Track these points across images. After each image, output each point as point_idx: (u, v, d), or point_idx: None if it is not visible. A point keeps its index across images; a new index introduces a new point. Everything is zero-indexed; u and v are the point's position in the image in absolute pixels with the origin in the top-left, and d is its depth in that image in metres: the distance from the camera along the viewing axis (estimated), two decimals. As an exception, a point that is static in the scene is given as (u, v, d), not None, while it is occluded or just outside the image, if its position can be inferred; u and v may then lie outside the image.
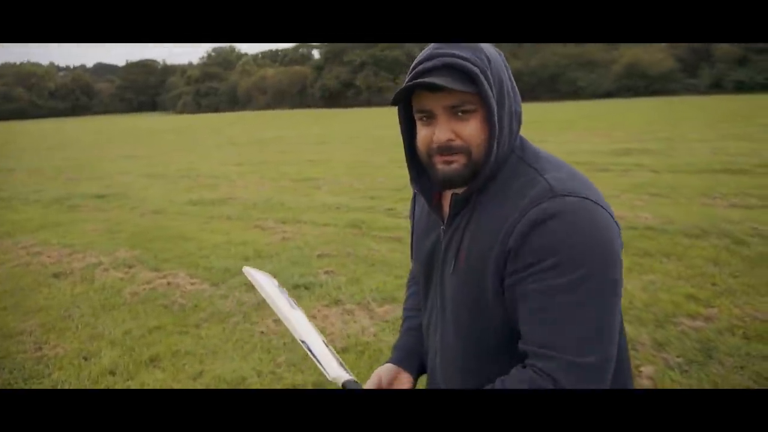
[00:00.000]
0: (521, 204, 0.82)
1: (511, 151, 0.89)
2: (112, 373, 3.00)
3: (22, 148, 20.86)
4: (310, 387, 2.73)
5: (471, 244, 0.89)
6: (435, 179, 0.90)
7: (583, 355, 0.77)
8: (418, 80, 0.83)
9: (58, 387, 2.86)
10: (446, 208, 0.97)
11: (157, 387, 2.80)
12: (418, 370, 1.13)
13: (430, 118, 0.87)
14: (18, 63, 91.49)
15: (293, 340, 3.26)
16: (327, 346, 1.15)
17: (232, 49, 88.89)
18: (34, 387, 2.86)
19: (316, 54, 74.12)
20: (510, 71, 0.90)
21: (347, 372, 1.07)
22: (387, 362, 1.14)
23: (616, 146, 11.67)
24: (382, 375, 1.10)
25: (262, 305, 3.80)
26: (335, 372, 1.06)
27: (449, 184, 0.89)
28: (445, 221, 0.96)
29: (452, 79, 0.82)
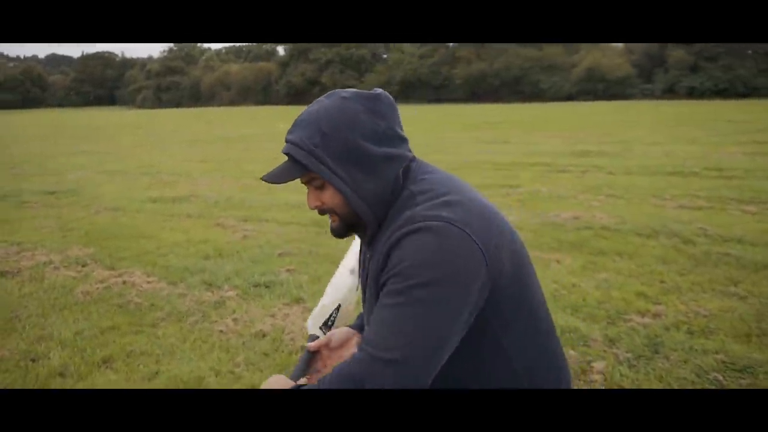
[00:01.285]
0: (392, 231, 0.94)
1: (401, 188, 1.00)
2: (62, 374, 2.90)
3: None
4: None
5: (371, 266, 1.02)
6: None
7: (386, 350, 0.84)
8: (264, 177, 1.00)
9: (2, 388, 2.74)
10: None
11: (110, 388, 2.72)
12: None
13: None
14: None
15: (252, 338, 3.24)
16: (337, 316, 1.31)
17: (194, 44, 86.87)
18: (-23, 391, 2.74)
19: (281, 50, 73.33)
20: (378, 122, 0.97)
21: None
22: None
23: (576, 148, 12.00)
24: (335, 335, 1.22)
25: (221, 304, 3.75)
26: (316, 331, 1.27)
27: (336, 236, 1.06)
28: (364, 260, 1.11)
29: (286, 171, 0.97)
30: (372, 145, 0.95)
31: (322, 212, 1.03)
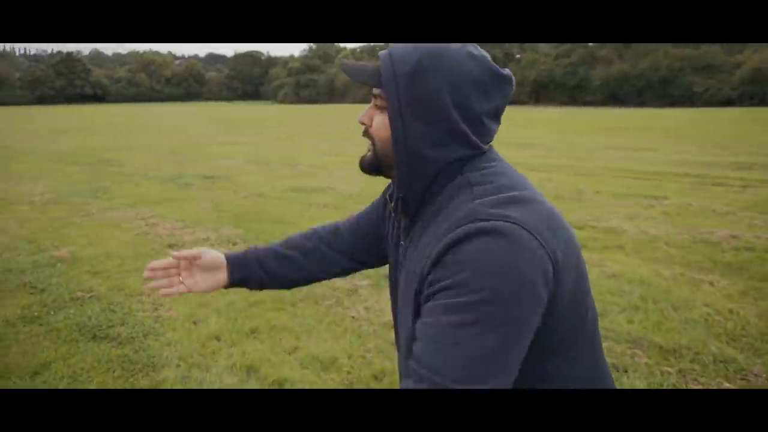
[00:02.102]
0: (441, 231, 0.79)
1: (461, 171, 0.85)
2: (218, 339, 3.26)
3: (141, 129, 22.92)
4: (395, 374, 2.80)
5: (408, 265, 0.88)
6: None
7: (455, 381, 0.70)
8: (342, 65, 0.88)
9: (171, 345, 3.15)
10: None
11: (257, 356, 3.00)
12: (237, 280, 1.12)
13: None
14: (141, 51, 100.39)
15: (383, 327, 3.37)
16: None
17: (332, 43, 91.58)
18: (152, 343, 3.18)
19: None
20: (493, 77, 0.83)
21: None
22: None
23: (735, 159, 10.71)
24: (208, 255, 1.09)
25: (354, 291, 3.94)
26: None
27: (363, 168, 0.93)
28: (402, 239, 0.96)
29: (366, 72, 0.85)
30: (458, 115, 0.82)
31: (365, 134, 0.91)
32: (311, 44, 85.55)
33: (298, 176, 9.45)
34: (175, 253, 1.07)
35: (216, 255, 1.10)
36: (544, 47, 59.09)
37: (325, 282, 4.08)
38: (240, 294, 3.94)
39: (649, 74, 49.43)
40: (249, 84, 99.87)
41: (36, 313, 3.59)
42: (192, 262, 1.08)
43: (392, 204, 0.96)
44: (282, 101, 79.31)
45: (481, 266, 0.71)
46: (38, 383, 2.75)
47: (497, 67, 0.84)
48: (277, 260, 1.13)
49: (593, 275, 4.16)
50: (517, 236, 0.72)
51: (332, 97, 74.11)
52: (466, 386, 0.69)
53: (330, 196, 7.66)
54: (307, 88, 79.87)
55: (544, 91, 58.12)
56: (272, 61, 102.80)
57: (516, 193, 0.79)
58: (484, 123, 0.84)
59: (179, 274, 1.08)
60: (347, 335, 3.27)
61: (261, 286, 1.14)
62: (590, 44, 54.40)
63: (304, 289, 4.00)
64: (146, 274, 1.08)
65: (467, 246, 0.73)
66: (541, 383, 0.81)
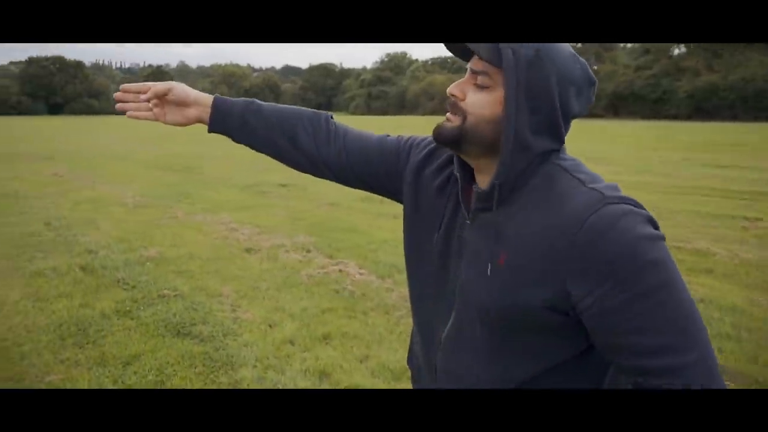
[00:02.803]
0: (571, 212, 0.79)
1: (548, 159, 0.87)
2: (292, 343, 3.36)
3: (221, 138, 24.05)
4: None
5: (513, 248, 0.84)
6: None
7: (686, 351, 0.74)
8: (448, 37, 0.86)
9: (248, 346, 3.28)
10: (470, 202, 0.93)
11: (330, 362, 3.07)
12: (219, 130, 1.12)
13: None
14: (223, 64, 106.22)
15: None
16: None
17: (404, 55, 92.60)
18: (230, 342, 3.33)
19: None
20: (588, 82, 0.87)
21: None
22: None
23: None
24: (178, 89, 1.09)
25: (424, 303, 3.94)
26: None
27: (435, 137, 0.90)
28: (470, 215, 0.92)
29: (483, 46, 0.83)
30: (559, 109, 0.84)
31: (452, 105, 0.89)
32: (383, 57, 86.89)
33: (368, 186, 9.60)
34: (148, 85, 1.08)
35: (186, 92, 1.10)
36: (623, 59, 56.63)
37: (395, 292, 4.15)
38: (313, 300, 4.05)
39: (741, 86, 46.12)
40: (322, 95, 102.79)
41: (128, 308, 3.86)
42: (163, 97, 1.09)
43: (476, 188, 0.93)
44: (353, 112, 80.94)
45: (645, 243, 0.75)
46: (129, 373, 2.95)
47: (591, 72, 0.88)
48: (259, 122, 1.12)
49: (678, 299, 3.92)
50: (643, 214, 0.78)
51: (402, 109, 74.74)
52: (700, 351, 0.74)
53: (398, 207, 7.70)
54: (378, 99, 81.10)
55: (623, 104, 55.67)
56: (345, 73, 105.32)
57: (609, 184, 0.83)
58: (569, 122, 0.88)
59: (149, 101, 1.09)
60: (417, 347, 3.26)
61: (239, 140, 1.15)
62: (675, 54, 51.60)
63: (375, 298, 4.06)
64: (117, 95, 1.11)
65: (622, 226, 0.75)
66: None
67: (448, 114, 0.90)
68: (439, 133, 0.90)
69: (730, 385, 2.75)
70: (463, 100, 0.87)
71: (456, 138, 0.88)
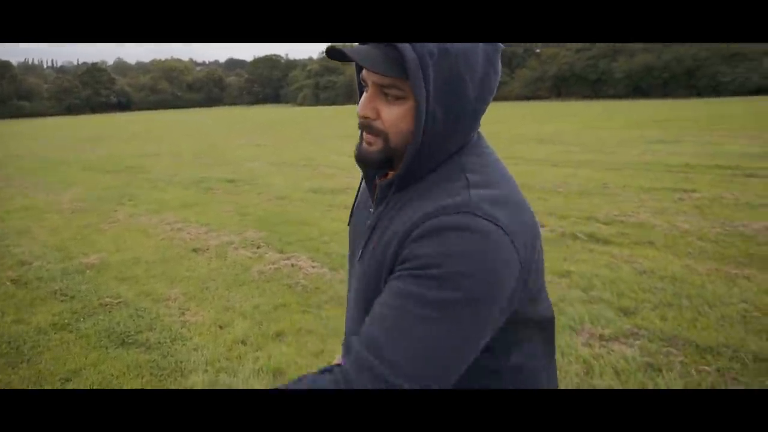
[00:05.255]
0: (431, 209, 0.76)
1: (456, 153, 0.83)
2: (244, 342, 3.26)
3: (165, 135, 23.30)
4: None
5: (381, 236, 0.84)
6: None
7: (406, 378, 0.69)
8: (347, 49, 0.78)
9: (198, 350, 3.16)
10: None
11: (284, 360, 2.99)
12: None
13: (367, 88, 0.83)
14: (163, 59, 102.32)
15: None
16: None
17: (351, 45, 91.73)
18: (179, 348, 3.20)
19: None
20: (490, 72, 0.79)
21: None
22: None
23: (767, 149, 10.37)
24: None
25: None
26: None
27: (362, 164, 0.86)
28: (374, 204, 0.92)
29: (380, 60, 0.75)
30: (473, 90, 0.77)
31: (367, 127, 0.82)
32: (329, 46, 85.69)
33: (319, 178, 9.47)
34: None
35: None
36: (564, 41, 58.19)
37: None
38: (264, 297, 3.95)
39: (674, 65, 48.33)
40: (269, 87, 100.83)
41: (66, 321, 3.64)
42: None
43: (380, 179, 0.91)
44: (301, 104, 79.86)
45: (463, 264, 0.70)
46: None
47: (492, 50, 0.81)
48: None
49: (623, 271, 4.06)
50: (502, 243, 0.73)
51: (351, 99, 74.29)
52: (418, 384, 0.69)
53: (351, 196, 7.65)
54: (326, 89, 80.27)
55: (566, 85, 57.31)
56: (291, 64, 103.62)
57: (501, 191, 0.79)
58: (489, 94, 0.81)
59: None
60: (373, 337, 3.23)
61: None
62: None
63: (328, 291, 4.00)
64: None
65: (455, 237, 0.71)
66: (507, 374, 0.85)
67: (365, 136, 0.83)
68: (363, 159, 0.85)
69: (673, 351, 2.87)
70: (378, 119, 0.81)
71: (384, 161, 0.84)
